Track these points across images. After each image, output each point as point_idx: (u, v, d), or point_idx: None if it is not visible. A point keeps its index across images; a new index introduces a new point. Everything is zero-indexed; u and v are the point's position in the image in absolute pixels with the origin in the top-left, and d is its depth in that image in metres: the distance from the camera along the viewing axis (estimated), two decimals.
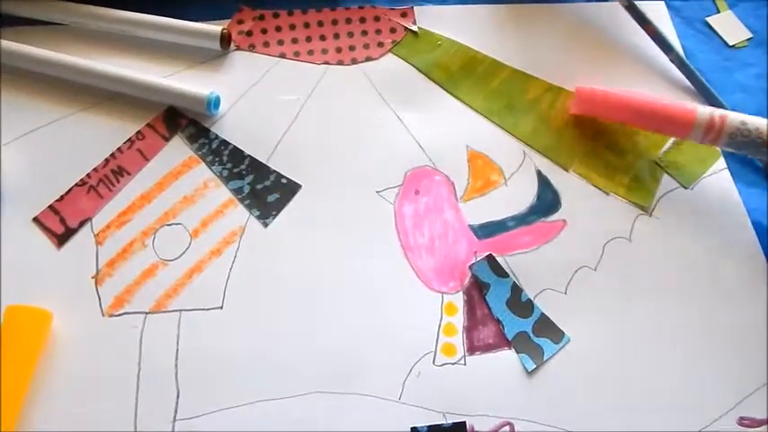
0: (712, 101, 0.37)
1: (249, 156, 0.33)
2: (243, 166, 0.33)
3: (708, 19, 0.41)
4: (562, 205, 0.34)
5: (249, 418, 0.27)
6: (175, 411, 0.27)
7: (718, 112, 0.29)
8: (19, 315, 0.26)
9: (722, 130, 0.28)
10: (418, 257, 0.32)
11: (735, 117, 0.28)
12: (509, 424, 0.28)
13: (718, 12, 0.41)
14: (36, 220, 0.31)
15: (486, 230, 0.33)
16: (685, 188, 0.34)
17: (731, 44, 0.40)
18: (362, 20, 0.38)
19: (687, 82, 0.38)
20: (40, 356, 0.27)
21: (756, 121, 0.27)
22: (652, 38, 0.38)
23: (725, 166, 0.35)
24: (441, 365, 0.29)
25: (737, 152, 0.30)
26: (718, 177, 0.35)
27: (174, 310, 0.29)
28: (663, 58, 0.38)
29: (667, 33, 0.39)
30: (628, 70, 0.38)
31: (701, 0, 0.41)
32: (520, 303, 0.31)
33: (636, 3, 0.38)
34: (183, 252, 0.31)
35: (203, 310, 0.29)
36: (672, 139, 0.36)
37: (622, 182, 0.35)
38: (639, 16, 0.38)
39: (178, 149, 0.33)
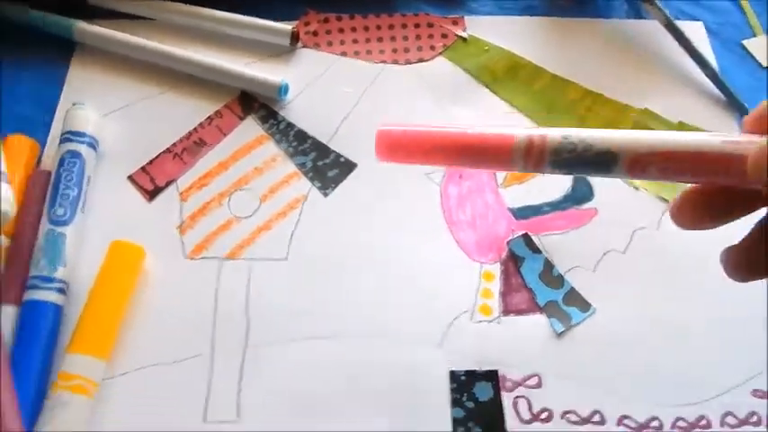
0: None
1: (312, 137, 0.42)
2: (306, 145, 0.42)
3: (744, 42, 0.48)
4: (595, 196, 0.41)
5: (308, 351, 0.35)
6: (246, 339, 0.35)
7: (537, 130, 0.23)
8: (120, 249, 0.35)
9: (544, 149, 0.22)
10: (460, 231, 0.40)
11: (556, 132, 0.22)
12: (537, 376, 0.35)
13: (754, 35, 0.49)
14: (130, 178, 0.40)
15: (523, 213, 0.41)
16: None
17: (765, 66, 0.47)
18: (417, 26, 0.47)
19: (722, 97, 0.45)
20: (134, 286, 0.35)
21: (581, 132, 0.22)
22: (689, 53, 0.45)
23: None
24: (478, 322, 0.36)
25: (572, 173, 0.23)
26: None
27: (245, 259, 0.37)
28: (698, 76, 0.45)
29: (704, 53, 0.45)
30: (664, 85, 0.45)
31: (738, 24, 0.49)
32: (551, 277, 0.38)
33: (675, 22, 0.46)
34: (254, 212, 0.39)
35: (271, 260, 0.38)
36: None
37: (651, 182, 0.42)
38: (678, 34, 0.46)
39: (251, 128, 0.42)
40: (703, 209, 0.23)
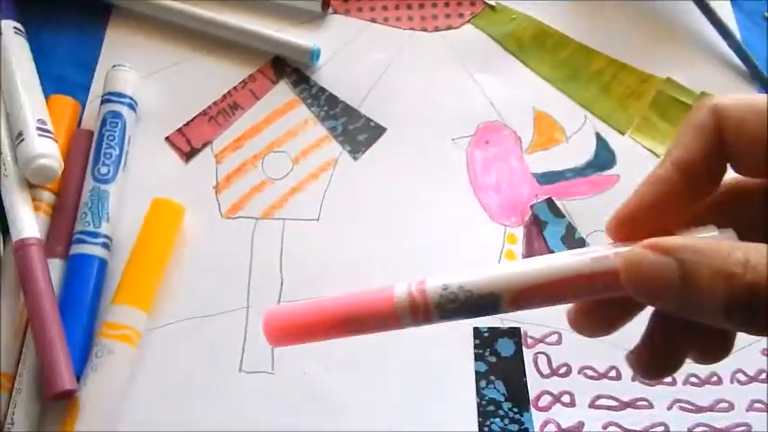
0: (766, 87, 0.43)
1: (343, 101, 0.42)
2: (337, 110, 0.42)
3: (767, 14, 0.47)
4: (617, 163, 0.41)
5: None
6: (280, 295, 0.35)
7: (414, 284, 0.21)
8: (162, 206, 0.35)
9: (427, 305, 0.21)
10: (485, 195, 0.39)
11: (434, 284, 0.21)
12: (557, 333, 0.35)
13: None
14: (167, 139, 0.40)
15: (547, 178, 0.40)
16: None
17: None
18: None
19: (744, 69, 0.44)
20: (175, 242, 0.35)
21: (457, 279, 0.20)
22: (713, 24, 0.44)
23: None
24: None
25: (464, 318, 0.21)
26: None
27: (278, 218, 0.38)
28: (722, 47, 0.45)
29: (728, 24, 0.44)
30: (688, 56, 0.45)
31: None
32: (573, 240, 0.38)
33: None
34: (287, 174, 0.39)
35: (303, 220, 0.38)
36: None
37: None
38: (702, 5, 0.45)
39: (283, 92, 0.42)
40: (597, 318, 0.23)
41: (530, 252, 0.37)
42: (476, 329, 0.34)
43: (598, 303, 0.22)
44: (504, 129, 0.41)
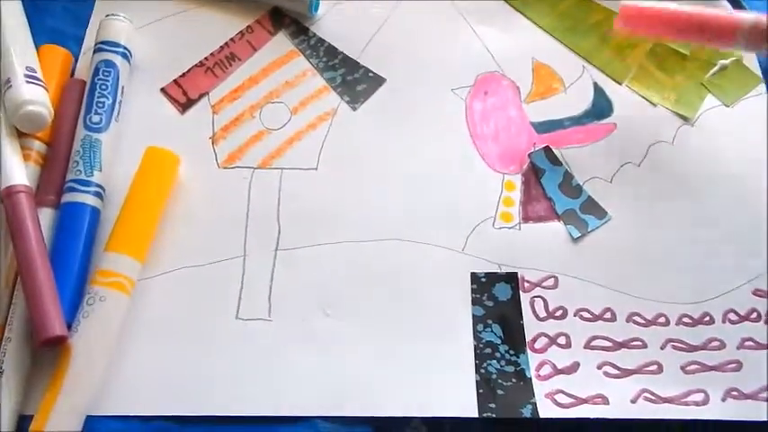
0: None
1: (342, 52, 0.38)
2: (336, 61, 0.37)
3: None
4: (614, 112, 0.37)
5: (335, 254, 0.32)
6: (277, 243, 0.32)
7: (762, 17, 0.26)
8: (156, 155, 0.31)
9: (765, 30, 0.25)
10: (484, 144, 0.36)
11: None
12: (554, 277, 0.32)
13: None
14: (163, 90, 0.36)
15: (545, 127, 0.36)
16: (727, 106, 0.37)
17: None
18: None
19: None
20: (169, 191, 0.31)
21: None
22: None
23: (764, 91, 0.38)
24: (499, 228, 0.33)
25: None
26: (758, 99, 0.37)
27: (276, 168, 0.34)
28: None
29: None
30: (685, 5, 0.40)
31: None
32: (570, 187, 0.34)
33: None
34: (285, 124, 0.35)
35: (301, 169, 0.34)
36: (718, 64, 0.38)
37: (670, 97, 0.38)
38: None
39: (282, 43, 0.38)
40: None
41: (528, 199, 0.33)
42: (473, 275, 0.31)
43: None
44: (503, 79, 0.37)
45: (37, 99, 0.29)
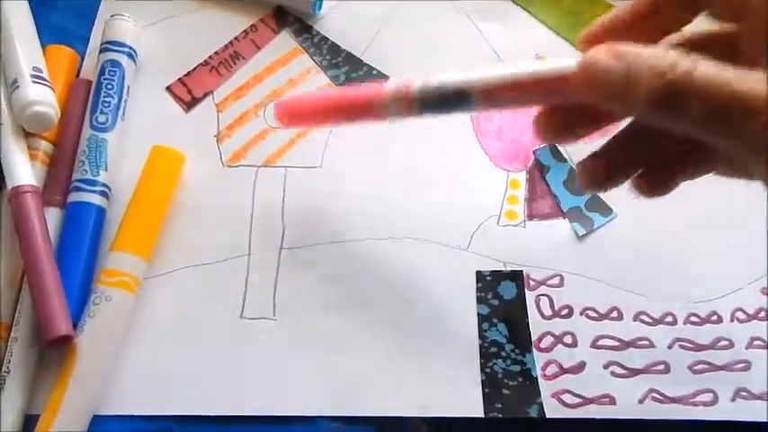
0: None
1: (345, 50, 0.37)
2: (339, 59, 0.37)
3: None
4: None
5: (339, 253, 0.31)
6: (282, 242, 0.32)
7: (402, 81, 0.23)
8: (161, 153, 0.31)
9: (410, 95, 0.22)
10: (488, 141, 0.35)
11: (418, 81, 0.22)
12: (559, 275, 0.31)
13: None
14: (168, 89, 0.36)
15: None
16: None
17: None
18: None
19: None
20: (174, 190, 0.31)
21: (437, 78, 0.22)
22: None
23: None
24: (503, 226, 0.33)
25: (441, 113, 0.23)
26: None
27: (281, 166, 0.34)
28: None
29: None
30: None
31: None
32: (575, 184, 0.34)
33: None
34: None
35: (305, 167, 0.34)
36: None
37: None
38: None
39: (285, 41, 0.37)
40: (560, 123, 0.22)
41: (533, 196, 0.33)
42: (478, 273, 0.30)
43: (561, 109, 0.22)
44: None
45: (43, 99, 0.28)
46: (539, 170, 0.34)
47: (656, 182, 0.23)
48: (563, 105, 0.22)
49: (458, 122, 0.35)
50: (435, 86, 0.22)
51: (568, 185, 0.34)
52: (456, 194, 0.33)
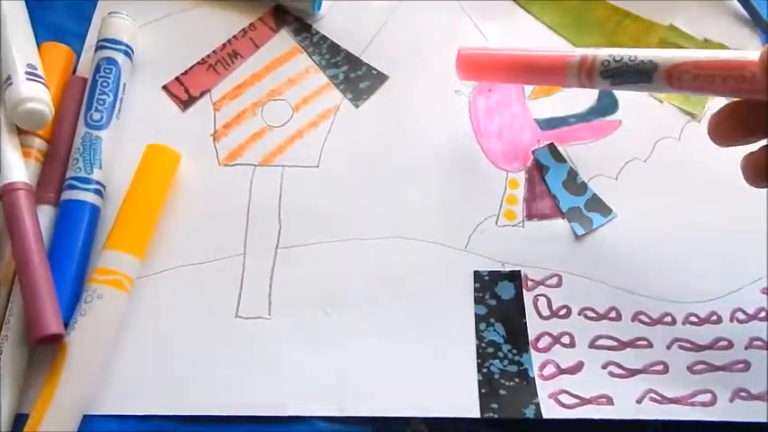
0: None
1: (345, 50, 0.37)
2: (339, 58, 0.37)
3: None
4: (619, 109, 0.36)
5: (336, 252, 0.31)
6: (278, 241, 0.31)
7: (591, 51, 0.25)
8: (156, 152, 0.30)
9: (594, 65, 0.24)
10: (488, 141, 0.35)
11: (606, 50, 0.24)
12: (557, 275, 0.31)
13: None
14: (165, 87, 0.35)
15: (549, 124, 0.35)
16: None
17: None
18: None
19: (748, 17, 0.39)
20: (169, 189, 0.31)
21: (627, 51, 0.24)
22: None
23: None
24: (502, 226, 0.32)
25: (621, 87, 0.25)
26: None
27: (278, 165, 0.33)
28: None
29: None
30: (691, 4, 0.39)
31: None
32: (575, 184, 0.33)
33: None
34: (287, 121, 0.35)
35: (302, 167, 0.33)
36: None
37: (677, 95, 0.37)
38: None
39: (284, 40, 0.37)
40: (737, 124, 0.23)
41: (532, 196, 0.33)
42: (476, 273, 0.30)
43: (739, 107, 0.23)
44: None
45: (37, 96, 0.28)
46: (538, 170, 0.34)
47: None
48: (739, 108, 0.22)
49: (458, 123, 0.35)
50: (622, 56, 0.23)
51: (568, 186, 0.33)
52: (455, 194, 0.33)
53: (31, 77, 0.29)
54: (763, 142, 0.25)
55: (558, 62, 0.25)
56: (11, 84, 0.28)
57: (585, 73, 0.24)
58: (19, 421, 0.26)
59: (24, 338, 0.26)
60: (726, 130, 0.23)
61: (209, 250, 0.31)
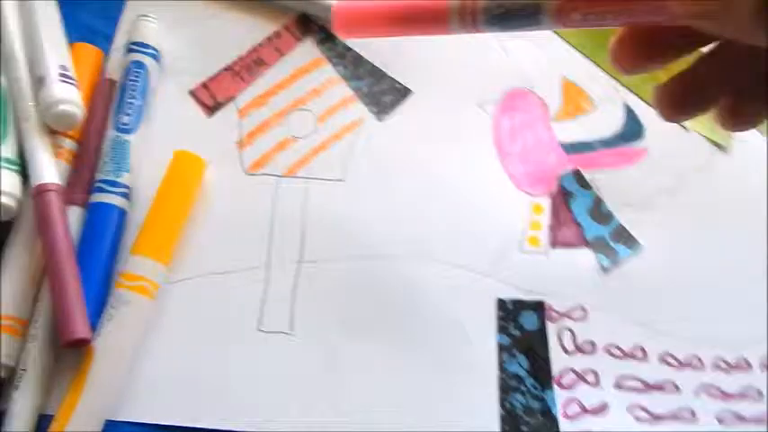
0: None
1: (368, 62, 0.39)
2: (362, 70, 0.39)
3: None
4: (645, 135, 0.38)
5: (359, 269, 0.33)
6: (301, 254, 0.33)
7: None
8: (183, 158, 0.32)
9: (476, 10, 0.22)
10: (511, 163, 0.37)
11: None
12: (582, 308, 0.32)
13: None
14: (191, 92, 0.37)
15: (574, 148, 0.37)
16: (762, 135, 0.38)
17: None
18: None
19: None
20: (196, 196, 0.32)
21: None
22: None
23: None
24: (526, 253, 0.34)
25: (505, 28, 0.23)
26: None
27: (302, 177, 0.35)
28: None
29: None
30: None
31: None
32: (600, 213, 0.35)
33: None
34: (311, 133, 0.36)
35: (327, 180, 0.35)
36: None
37: (704, 123, 0.39)
38: None
39: (309, 50, 0.39)
40: (644, 46, 0.21)
41: (556, 223, 0.34)
42: (500, 301, 0.32)
43: (640, 32, 0.21)
44: (531, 95, 0.38)
45: (69, 98, 0.30)
46: (563, 197, 0.35)
47: (741, 112, 0.22)
48: (641, 28, 0.21)
49: (481, 142, 0.37)
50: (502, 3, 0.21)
51: (593, 214, 0.35)
52: (478, 218, 0.34)
53: (64, 79, 0.30)
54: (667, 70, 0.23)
55: (438, 8, 0.23)
56: (44, 84, 0.30)
57: (470, 20, 0.22)
58: (42, 422, 0.27)
59: (52, 340, 0.28)
60: (627, 54, 0.22)
61: (232, 260, 0.32)
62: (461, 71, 0.39)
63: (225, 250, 0.32)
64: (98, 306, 0.29)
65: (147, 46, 0.35)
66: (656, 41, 0.21)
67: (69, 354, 0.28)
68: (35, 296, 0.29)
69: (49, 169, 0.29)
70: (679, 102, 0.22)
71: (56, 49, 0.31)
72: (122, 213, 0.31)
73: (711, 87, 0.22)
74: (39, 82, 0.30)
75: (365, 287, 0.32)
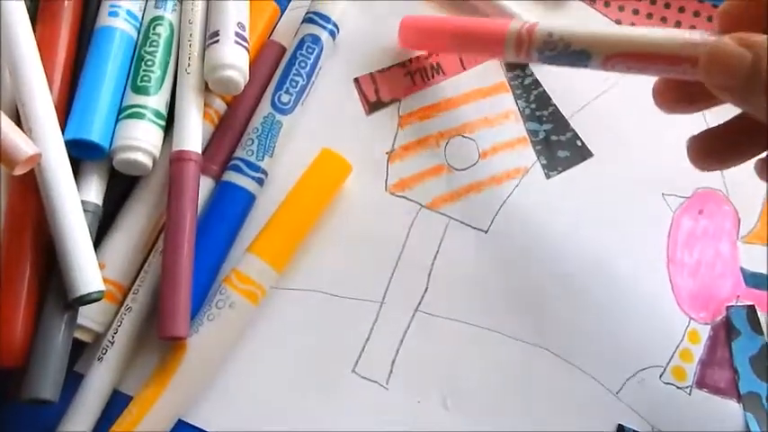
0: None
1: (554, 105, 0.37)
2: (545, 112, 0.37)
3: None
4: None
5: (476, 338, 0.32)
6: (420, 301, 0.32)
7: (526, 24, 0.28)
8: (329, 159, 0.32)
9: (530, 46, 0.28)
10: (679, 274, 0.34)
11: (542, 29, 0.27)
12: None
13: None
14: (356, 80, 0.36)
15: (757, 280, 0.35)
16: None
17: None
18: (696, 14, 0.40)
19: None
20: (330, 202, 0.32)
21: (562, 31, 0.26)
22: None
23: None
24: (666, 383, 0.32)
25: (559, 65, 0.29)
26: None
27: (445, 214, 0.34)
28: None
29: None
30: None
31: None
32: (764, 365, 0.33)
33: None
34: (469, 167, 0.35)
35: (469, 226, 0.34)
36: None
37: None
38: None
39: (493, 71, 0.37)
40: (684, 93, 0.26)
41: (710, 360, 0.32)
42: (620, 427, 0.30)
43: (680, 82, 0.26)
44: (725, 203, 0.35)
45: (240, 65, 0.30)
46: (726, 332, 0.33)
47: None
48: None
49: (652, 238, 0.35)
50: (558, 40, 0.26)
51: (756, 364, 0.33)
52: (624, 325, 0.33)
53: (239, 40, 0.30)
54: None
55: (496, 35, 0.29)
56: (217, 41, 0.30)
57: (524, 54, 0.28)
58: (114, 397, 0.28)
59: (147, 316, 0.28)
60: (669, 97, 0.27)
61: (347, 285, 0.32)
62: (655, 150, 0.37)
63: (342, 271, 0.32)
64: (201, 293, 0.29)
65: (328, 20, 0.34)
66: (695, 89, 0.25)
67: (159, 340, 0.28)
68: (141, 265, 0.29)
69: (196, 137, 0.29)
70: (711, 152, 0.27)
71: (238, 3, 0.31)
72: (252, 200, 0.31)
73: (743, 140, 0.25)
74: (212, 36, 0.30)
75: (476, 359, 0.32)
